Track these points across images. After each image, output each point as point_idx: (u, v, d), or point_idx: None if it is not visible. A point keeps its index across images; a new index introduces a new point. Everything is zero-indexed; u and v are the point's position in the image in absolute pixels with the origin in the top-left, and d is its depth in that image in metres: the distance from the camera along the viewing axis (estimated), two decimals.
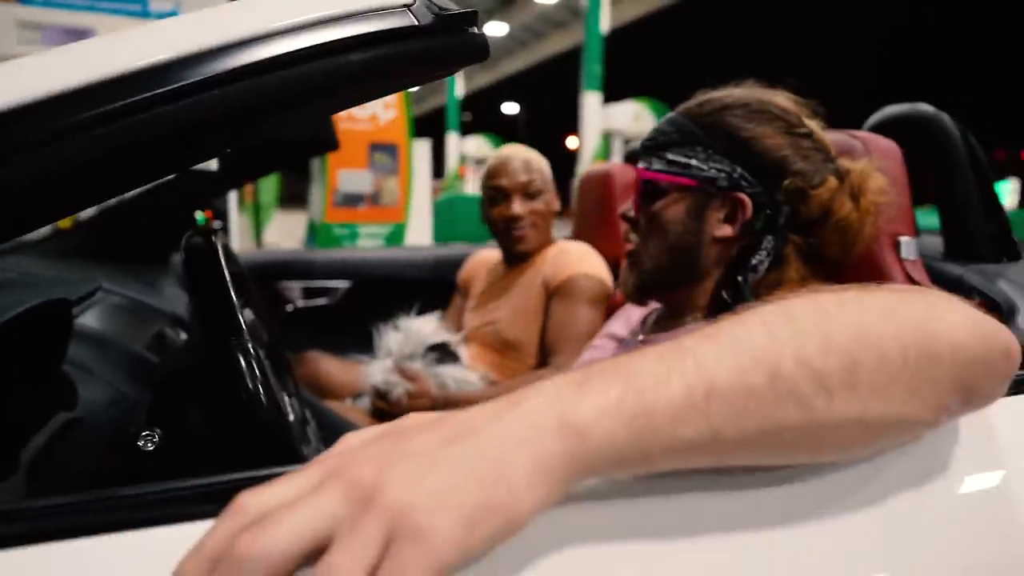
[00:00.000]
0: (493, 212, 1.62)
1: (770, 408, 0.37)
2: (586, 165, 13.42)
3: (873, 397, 0.39)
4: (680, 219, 0.85)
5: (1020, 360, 0.45)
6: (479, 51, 0.57)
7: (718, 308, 0.83)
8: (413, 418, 0.37)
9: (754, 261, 0.82)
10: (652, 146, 0.89)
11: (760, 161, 0.83)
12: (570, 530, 0.39)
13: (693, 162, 0.84)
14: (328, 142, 1.58)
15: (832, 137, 0.92)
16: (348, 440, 0.37)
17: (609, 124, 13.76)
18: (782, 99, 0.87)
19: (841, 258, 0.85)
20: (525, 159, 1.62)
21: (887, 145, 0.96)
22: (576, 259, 1.53)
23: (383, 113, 6.24)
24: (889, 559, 0.44)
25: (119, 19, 3.61)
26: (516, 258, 1.65)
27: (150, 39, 0.51)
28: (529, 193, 1.60)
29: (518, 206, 1.58)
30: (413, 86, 0.61)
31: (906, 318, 0.42)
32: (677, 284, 0.89)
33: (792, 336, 0.39)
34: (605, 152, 13.26)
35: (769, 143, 0.83)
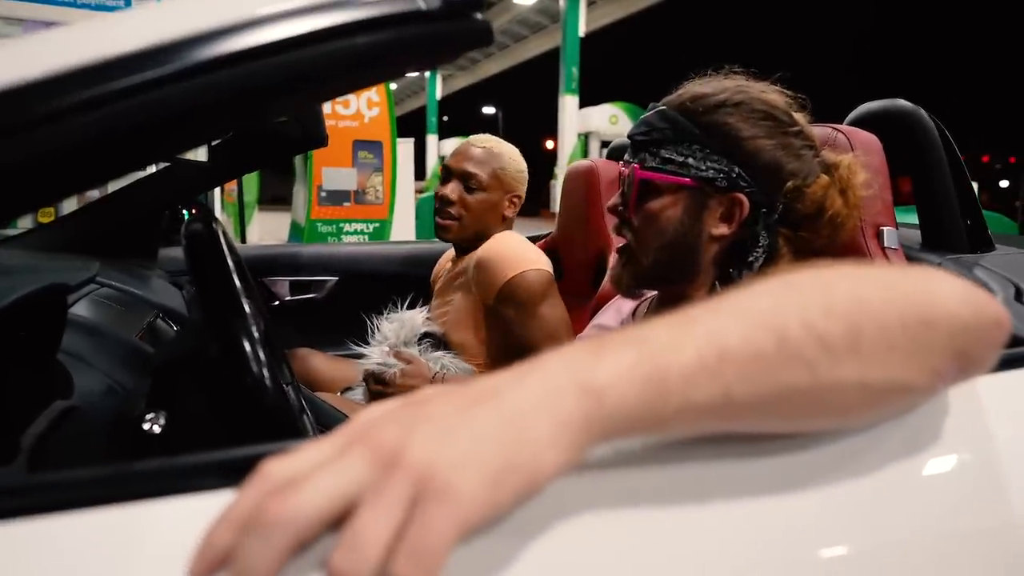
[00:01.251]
0: (437, 189, 1.60)
1: (778, 371, 0.39)
2: (563, 166, 13.49)
3: (874, 362, 0.41)
4: (678, 218, 0.86)
5: (1010, 330, 0.47)
6: (483, 36, 0.58)
7: None
8: (431, 389, 0.38)
9: (751, 258, 0.84)
10: (646, 142, 0.87)
11: (756, 161, 0.83)
12: (582, 498, 0.41)
13: (691, 161, 0.84)
14: (317, 138, 1.58)
15: (816, 131, 0.94)
16: (368, 412, 0.38)
17: (586, 126, 13.85)
18: (774, 95, 0.87)
19: (827, 248, 0.87)
20: (486, 151, 1.58)
21: (868, 139, 0.99)
22: (506, 259, 1.46)
23: (367, 111, 6.23)
24: (876, 529, 0.46)
25: (102, 15, 3.56)
26: (459, 250, 1.63)
27: (149, 21, 0.51)
28: (469, 185, 1.55)
29: (450, 189, 1.54)
30: (418, 71, 0.62)
31: (903, 288, 0.44)
32: (673, 280, 0.90)
33: (796, 303, 0.41)
34: (583, 153, 13.33)
35: (765, 143, 0.83)
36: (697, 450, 0.44)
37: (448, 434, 0.33)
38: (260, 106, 0.55)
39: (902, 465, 0.48)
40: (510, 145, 1.64)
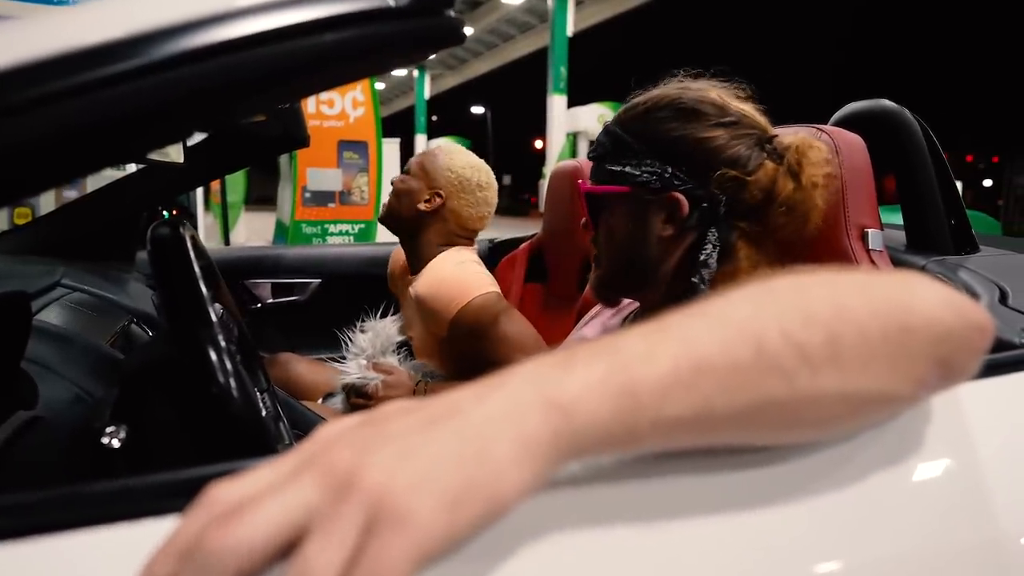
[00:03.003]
0: None
1: (756, 382, 0.37)
2: (552, 165, 13.49)
3: (855, 371, 0.40)
4: (624, 226, 0.87)
5: (993, 335, 0.46)
6: (455, 35, 0.56)
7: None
8: (392, 405, 0.36)
9: (702, 256, 0.83)
10: (593, 158, 0.91)
11: (690, 157, 0.83)
12: (552, 518, 0.39)
13: (627, 169, 0.86)
14: (299, 138, 1.55)
15: (801, 131, 0.93)
16: (325, 430, 0.36)
17: (575, 126, 13.87)
18: (709, 91, 0.87)
19: (795, 238, 0.84)
20: (429, 149, 1.62)
21: (853, 139, 0.98)
22: (446, 293, 1.43)
23: (352, 111, 6.20)
24: (859, 542, 0.44)
25: (49, 9, 3.51)
26: (408, 262, 1.62)
27: (106, 16, 0.49)
28: (404, 170, 1.61)
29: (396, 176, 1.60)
30: (387, 70, 0.60)
31: (883, 294, 0.42)
32: (637, 287, 0.92)
33: (775, 311, 0.39)
34: (571, 153, 13.34)
35: (695, 137, 0.84)
36: (671, 464, 0.42)
37: (404, 455, 0.31)
38: (225, 104, 0.53)
39: (884, 476, 0.47)
40: (463, 151, 1.62)
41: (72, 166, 0.50)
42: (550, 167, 13.64)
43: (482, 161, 1.63)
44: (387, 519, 0.29)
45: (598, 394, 0.35)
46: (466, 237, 1.59)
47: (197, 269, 0.67)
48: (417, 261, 1.57)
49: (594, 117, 14.10)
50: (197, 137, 1.58)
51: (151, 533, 0.32)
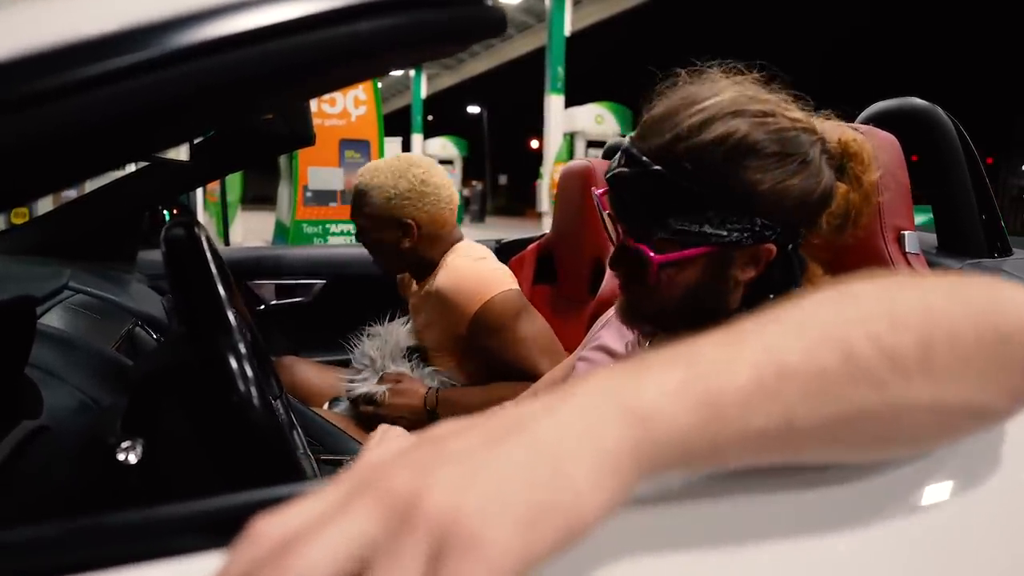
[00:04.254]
0: None
1: (845, 391, 0.34)
2: (549, 166, 13.49)
3: (948, 380, 0.37)
4: (698, 278, 0.75)
5: None
6: (496, 25, 0.53)
7: None
8: (447, 425, 0.32)
9: (790, 281, 0.76)
10: (643, 212, 0.73)
11: (780, 206, 0.71)
12: (620, 540, 0.36)
13: (707, 229, 0.71)
14: (304, 137, 1.52)
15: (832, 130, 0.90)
16: (374, 452, 0.32)
17: (572, 126, 13.85)
18: (783, 115, 0.73)
19: (844, 247, 0.80)
20: (356, 193, 1.46)
21: (886, 137, 0.95)
22: (467, 290, 1.38)
23: (354, 109, 6.17)
24: (940, 565, 0.41)
25: None
26: (414, 275, 1.57)
27: (118, 1, 0.45)
28: (360, 233, 1.49)
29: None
30: (422, 61, 0.57)
31: (972, 297, 0.39)
32: (696, 329, 0.83)
33: (860, 315, 0.36)
34: (568, 153, 13.32)
35: (785, 186, 0.71)
36: (741, 482, 0.39)
37: (471, 476, 0.28)
38: (249, 100, 0.49)
39: (960, 498, 0.44)
40: (378, 168, 1.46)
41: (71, 170, 0.47)
42: (547, 167, 13.63)
43: (402, 157, 1.49)
44: (456, 546, 0.26)
45: (678, 403, 0.32)
46: (451, 226, 1.51)
47: (215, 271, 0.64)
48: (425, 271, 1.51)
49: (591, 117, 14.09)
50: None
51: (190, 574, 0.28)
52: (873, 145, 0.90)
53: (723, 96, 0.73)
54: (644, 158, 0.72)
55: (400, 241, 1.44)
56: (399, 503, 0.27)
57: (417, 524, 0.26)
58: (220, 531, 0.31)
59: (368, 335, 1.52)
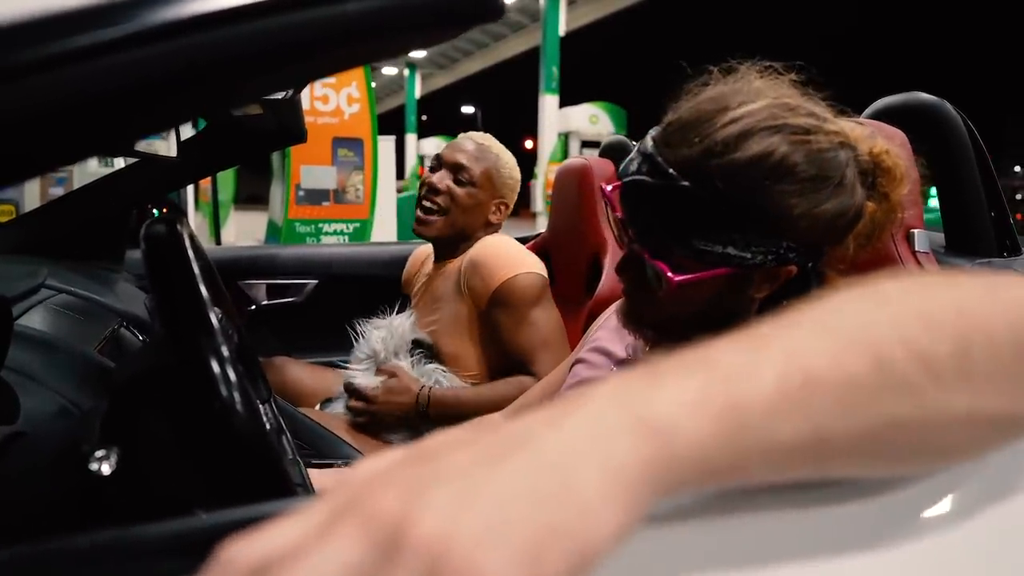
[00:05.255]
0: (423, 178, 1.53)
1: (877, 400, 0.32)
2: (544, 166, 13.47)
3: (987, 388, 0.34)
4: (715, 297, 0.72)
5: None
6: (493, 9, 0.50)
7: None
8: (439, 437, 0.29)
9: (807, 293, 0.72)
10: (663, 227, 0.69)
11: (811, 229, 0.68)
12: (634, 561, 0.33)
13: (731, 251, 0.67)
14: (296, 133, 1.49)
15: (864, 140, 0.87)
16: (360, 469, 0.29)
17: (566, 126, 13.84)
18: (819, 119, 0.69)
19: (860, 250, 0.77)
20: (483, 148, 1.52)
21: (894, 133, 0.92)
22: (500, 262, 1.41)
23: (347, 107, 6.13)
24: None
25: None
26: (443, 254, 1.55)
27: None
28: (459, 178, 1.48)
29: (438, 177, 1.48)
30: (413, 49, 0.54)
31: (1009, 298, 0.36)
32: (702, 337, 0.81)
33: (890, 317, 0.33)
34: (563, 153, 13.30)
35: (818, 211, 0.67)
36: (758, 499, 0.36)
37: (467, 497, 0.24)
38: (229, 83, 0.46)
39: (997, 511, 0.41)
40: (509, 153, 1.58)
41: (45, 154, 0.43)
42: (541, 167, 13.62)
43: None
44: None
45: (697, 414, 0.29)
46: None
47: (196, 270, 0.60)
48: (457, 250, 1.52)
49: (585, 117, 14.08)
50: (189, 131, 1.51)
51: None
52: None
53: (759, 104, 0.68)
54: (671, 170, 0.67)
55: (490, 214, 1.51)
56: (386, 530, 0.24)
57: (406, 555, 0.23)
58: (188, 554, 0.28)
59: (374, 326, 1.49)
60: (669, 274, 0.69)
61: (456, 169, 1.48)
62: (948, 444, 0.35)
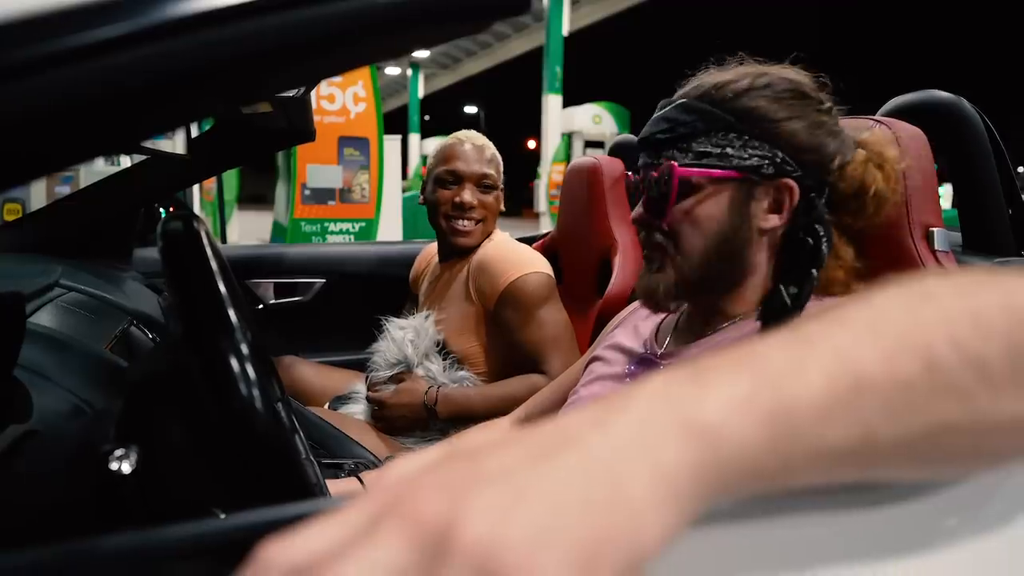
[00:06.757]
0: (441, 195, 1.50)
1: (928, 404, 0.31)
2: (547, 166, 13.45)
3: None
4: (721, 215, 0.78)
5: None
6: (520, 2, 0.49)
7: (772, 305, 0.77)
8: (479, 435, 0.29)
9: (820, 250, 0.76)
10: (671, 139, 0.79)
11: (797, 143, 0.77)
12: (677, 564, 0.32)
13: (730, 151, 0.76)
14: (304, 132, 1.48)
15: (856, 123, 0.87)
16: (398, 467, 0.28)
17: (570, 126, 13.82)
18: (800, 75, 0.82)
19: (866, 230, 0.83)
20: (482, 146, 1.54)
21: (913, 131, 0.91)
22: (506, 263, 1.43)
23: (353, 106, 6.13)
24: None
25: None
26: (450, 254, 1.55)
27: None
28: (485, 185, 1.50)
29: (469, 195, 1.48)
30: (441, 41, 0.53)
31: None
32: (722, 286, 0.83)
33: (939, 317, 0.32)
34: (566, 153, 13.28)
35: (801, 124, 0.78)
36: (803, 501, 0.35)
37: (515, 500, 0.24)
38: (254, 78, 0.45)
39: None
40: (480, 136, 1.61)
41: (55, 153, 0.43)
42: (545, 168, 13.59)
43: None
44: None
45: (746, 414, 0.28)
46: None
47: (215, 267, 0.60)
48: (464, 250, 1.53)
49: (589, 117, 14.06)
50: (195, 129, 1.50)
51: None
52: (900, 137, 0.87)
53: (756, 67, 0.81)
54: (680, 100, 0.80)
55: (501, 202, 1.54)
56: (431, 532, 0.23)
57: (454, 559, 0.22)
58: (221, 558, 0.27)
59: (400, 327, 1.48)
60: (674, 164, 0.78)
61: (480, 179, 1.50)
62: (997, 448, 0.35)
